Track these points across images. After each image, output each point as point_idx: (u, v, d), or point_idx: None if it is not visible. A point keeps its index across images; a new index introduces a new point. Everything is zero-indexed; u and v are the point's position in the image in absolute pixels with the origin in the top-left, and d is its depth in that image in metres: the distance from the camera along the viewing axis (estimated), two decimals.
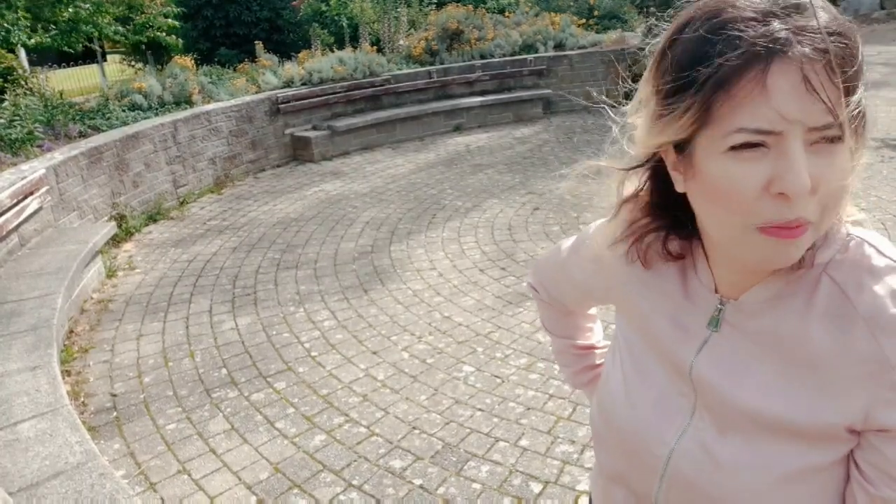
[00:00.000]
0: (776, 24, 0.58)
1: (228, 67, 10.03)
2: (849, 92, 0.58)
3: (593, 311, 1.14)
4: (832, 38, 0.58)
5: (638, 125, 0.71)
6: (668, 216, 0.75)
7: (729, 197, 0.62)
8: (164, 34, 9.63)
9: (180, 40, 10.33)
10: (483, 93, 9.32)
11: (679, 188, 0.69)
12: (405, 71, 9.09)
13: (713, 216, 0.66)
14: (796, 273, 0.69)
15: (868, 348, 0.64)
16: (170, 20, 9.74)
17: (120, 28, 8.91)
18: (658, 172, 0.74)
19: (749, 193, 0.61)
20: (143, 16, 9.16)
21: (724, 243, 0.69)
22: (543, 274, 1.10)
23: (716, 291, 0.76)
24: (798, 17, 0.59)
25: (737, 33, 0.59)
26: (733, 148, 0.60)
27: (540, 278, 1.11)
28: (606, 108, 0.79)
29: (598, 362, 1.14)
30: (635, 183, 0.78)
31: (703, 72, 0.60)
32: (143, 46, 12.18)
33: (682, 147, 0.66)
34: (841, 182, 0.61)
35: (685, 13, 0.65)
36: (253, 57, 10.33)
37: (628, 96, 0.76)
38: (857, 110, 0.59)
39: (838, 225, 0.69)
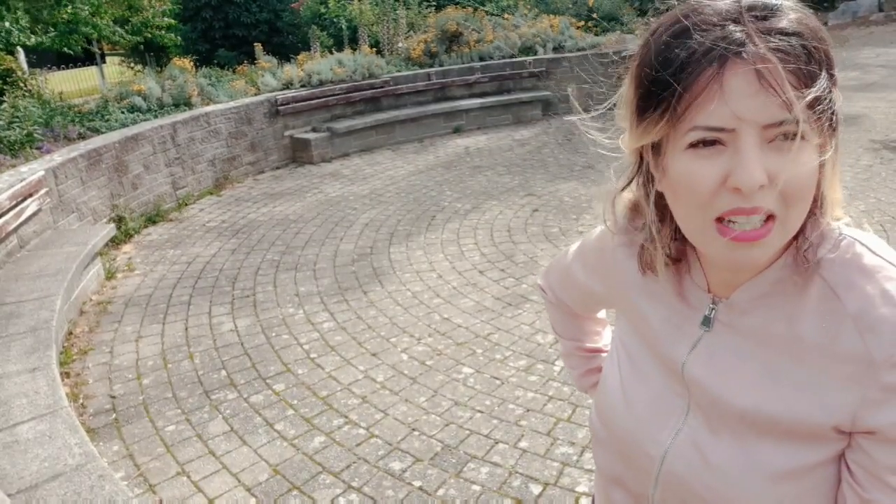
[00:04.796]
0: (731, 27, 0.61)
1: (227, 69, 10.03)
2: (807, 89, 0.60)
3: (602, 314, 1.15)
4: (789, 38, 0.60)
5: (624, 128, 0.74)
6: (662, 220, 0.76)
7: (689, 192, 0.65)
8: (162, 31, 9.62)
9: (178, 37, 10.32)
10: (482, 95, 9.32)
11: (659, 187, 0.72)
12: (404, 73, 9.10)
13: (679, 212, 0.69)
14: (789, 272, 0.69)
15: (855, 347, 0.64)
16: (167, 19, 9.74)
17: (118, 29, 8.91)
18: (651, 177, 0.75)
19: (706, 188, 0.63)
20: (140, 15, 9.16)
21: (693, 240, 0.70)
22: (552, 276, 1.12)
23: (709, 291, 0.77)
24: (757, 20, 0.62)
25: (695, 38, 0.62)
26: (692, 145, 0.63)
27: (549, 280, 1.12)
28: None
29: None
30: (632, 188, 0.79)
31: (668, 78, 0.63)
32: (142, 47, 12.19)
33: (656, 148, 0.69)
34: (804, 178, 0.62)
35: (657, 21, 0.68)
36: (252, 59, 10.34)
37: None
38: (820, 107, 0.61)
39: (831, 225, 0.70)
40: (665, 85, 0.63)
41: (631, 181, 0.77)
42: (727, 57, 0.60)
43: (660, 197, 0.75)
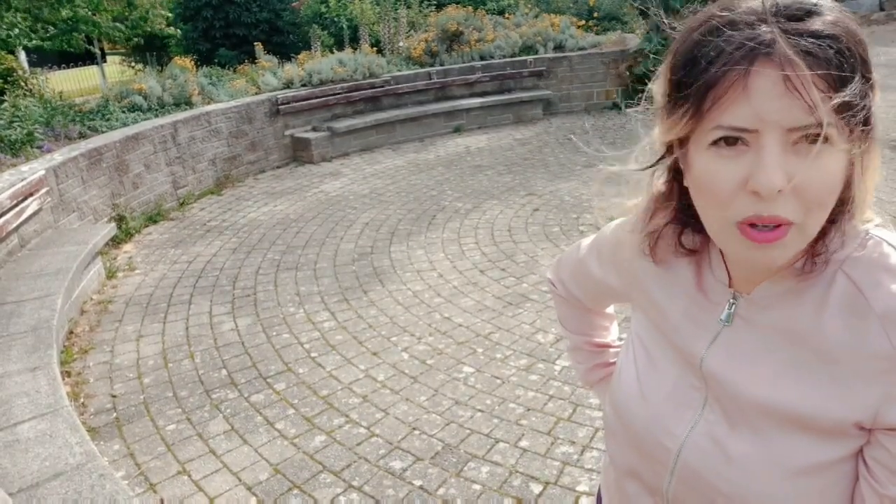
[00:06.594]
0: (763, 28, 0.60)
1: (228, 68, 10.04)
2: (836, 93, 0.59)
3: (610, 309, 1.15)
4: (821, 41, 0.59)
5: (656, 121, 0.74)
6: (684, 211, 0.77)
7: (710, 191, 0.65)
8: (161, 19, 9.61)
9: (178, 30, 10.33)
10: (483, 94, 9.31)
11: (685, 182, 0.72)
12: (405, 72, 9.09)
13: (701, 210, 0.69)
14: (812, 269, 0.69)
15: (881, 346, 0.65)
16: (165, 13, 9.76)
17: (119, 25, 8.91)
18: (677, 169, 0.75)
19: (727, 188, 0.63)
20: (138, 11, 9.16)
21: (713, 237, 0.70)
22: (563, 270, 1.11)
23: (730, 286, 0.77)
24: (789, 21, 0.61)
25: (724, 37, 0.61)
26: (714, 143, 0.63)
27: (559, 275, 1.12)
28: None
29: (611, 360, 1.15)
30: (656, 179, 0.79)
31: (695, 75, 0.63)
32: (142, 43, 12.19)
33: (683, 143, 0.69)
34: (826, 183, 0.62)
35: (692, 18, 0.68)
36: (253, 58, 10.34)
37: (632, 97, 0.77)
38: (849, 112, 0.60)
39: (857, 224, 0.70)
40: (692, 82, 0.63)
41: (651, 167, 0.77)
42: (755, 57, 0.60)
43: (679, 192, 0.75)
